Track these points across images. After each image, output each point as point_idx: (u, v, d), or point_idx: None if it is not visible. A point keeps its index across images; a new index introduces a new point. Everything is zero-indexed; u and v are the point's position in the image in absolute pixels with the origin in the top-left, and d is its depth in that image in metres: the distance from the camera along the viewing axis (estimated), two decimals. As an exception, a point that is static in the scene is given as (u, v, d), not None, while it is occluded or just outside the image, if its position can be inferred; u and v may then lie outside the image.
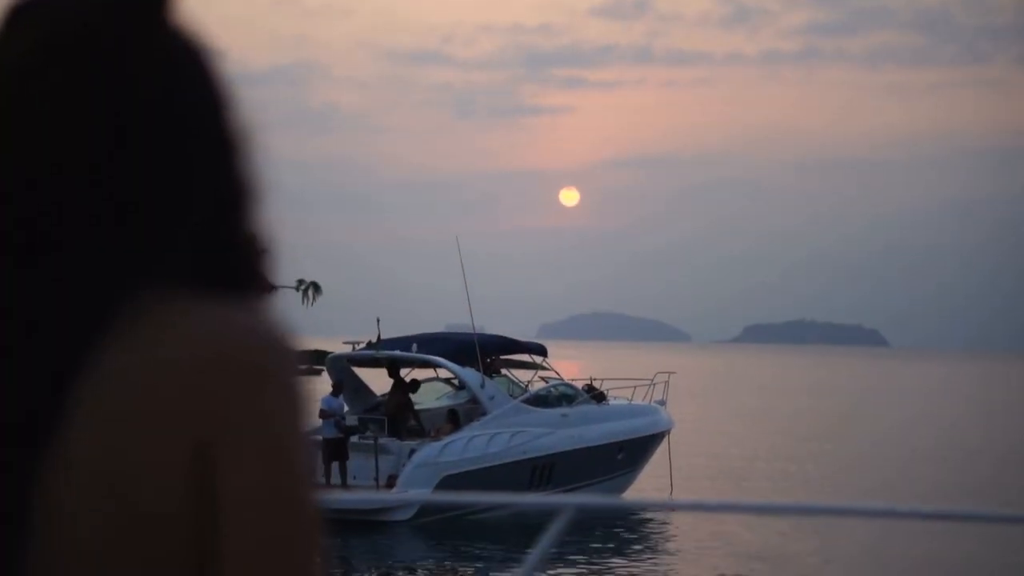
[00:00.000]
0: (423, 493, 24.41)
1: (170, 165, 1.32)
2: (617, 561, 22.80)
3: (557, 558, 20.81)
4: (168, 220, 1.31)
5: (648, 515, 26.62)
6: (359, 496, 23.85)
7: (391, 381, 28.42)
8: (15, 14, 1.34)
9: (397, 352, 27.64)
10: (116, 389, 1.27)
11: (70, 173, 1.29)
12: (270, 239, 1.38)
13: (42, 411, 1.27)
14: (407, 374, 28.78)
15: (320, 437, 25.87)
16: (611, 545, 23.93)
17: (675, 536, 25.34)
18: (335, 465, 25.85)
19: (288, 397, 1.29)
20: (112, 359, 1.27)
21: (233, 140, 1.36)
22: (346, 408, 27.22)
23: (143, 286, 1.29)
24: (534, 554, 5.42)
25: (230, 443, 1.27)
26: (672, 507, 27.41)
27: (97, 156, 1.29)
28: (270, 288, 1.37)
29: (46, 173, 1.29)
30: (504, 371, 29.52)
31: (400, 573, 21.93)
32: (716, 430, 49.20)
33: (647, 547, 24.31)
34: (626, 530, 25.30)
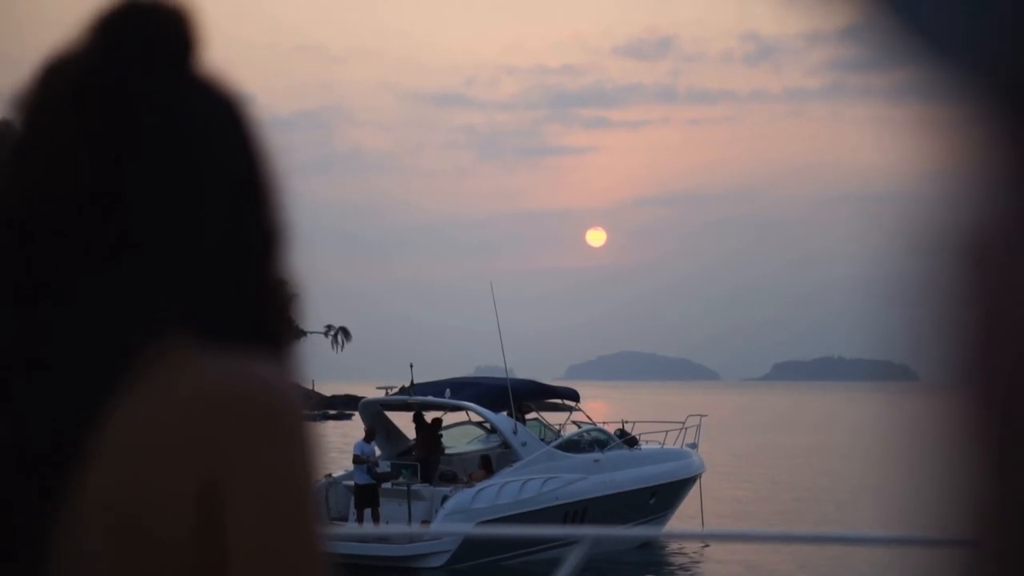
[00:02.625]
0: (449, 545, 24.33)
1: (190, 212, 1.34)
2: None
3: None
4: (189, 266, 1.33)
5: (674, 549, 26.59)
6: (379, 531, 23.83)
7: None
8: (46, 74, 1.37)
9: (430, 397, 27.64)
10: (126, 428, 1.29)
11: (87, 219, 1.31)
12: (298, 285, 1.39)
13: (58, 450, 1.29)
14: (435, 416, 28.78)
15: (353, 483, 25.91)
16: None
17: (701, 568, 25.26)
18: (367, 512, 25.85)
19: (295, 442, 1.30)
20: (124, 400, 1.30)
21: (260, 187, 1.38)
22: (378, 452, 27.21)
23: (159, 331, 1.32)
24: None
25: (235, 484, 1.28)
26: (693, 537, 27.37)
27: (115, 204, 1.32)
28: (296, 334, 1.38)
29: (65, 219, 1.31)
30: (536, 414, 29.47)
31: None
32: (748, 471, 48.97)
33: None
34: (651, 566, 25.23)
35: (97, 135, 1.32)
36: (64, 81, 1.35)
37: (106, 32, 1.35)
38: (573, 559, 5.29)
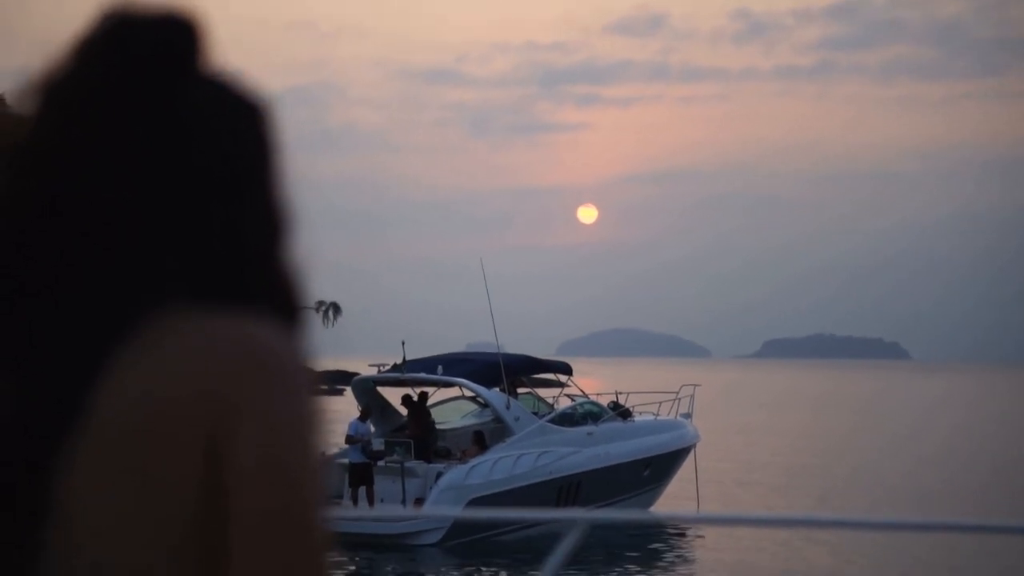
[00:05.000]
0: (443, 522, 24.32)
1: (192, 194, 1.39)
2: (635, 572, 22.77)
3: (575, 572, 20.73)
4: (193, 242, 1.38)
5: (669, 529, 26.59)
6: (374, 514, 23.84)
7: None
8: (45, 93, 1.41)
9: (422, 374, 27.60)
10: (133, 384, 1.33)
11: (91, 196, 1.37)
12: (297, 262, 1.45)
13: (61, 412, 1.33)
14: (431, 394, 28.74)
15: (347, 461, 25.92)
16: (632, 557, 23.88)
17: (697, 549, 25.28)
18: (362, 490, 25.83)
19: (299, 396, 1.35)
20: (130, 359, 1.34)
21: (264, 177, 1.43)
22: (373, 429, 27.18)
23: (163, 300, 1.36)
24: (547, 568, 5.38)
25: (240, 435, 1.32)
26: (686, 521, 27.39)
27: (118, 184, 1.37)
28: (301, 309, 1.43)
29: (69, 193, 1.37)
30: (529, 389, 29.48)
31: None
32: (741, 444, 49.08)
33: (665, 561, 24.23)
34: (646, 544, 25.23)
35: (105, 126, 1.37)
36: (72, 78, 1.39)
37: (110, 34, 1.40)
38: (567, 544, 5.27)
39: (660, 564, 24.04)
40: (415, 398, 28.15)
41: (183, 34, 1.41)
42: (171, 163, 1.38)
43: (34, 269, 1.36)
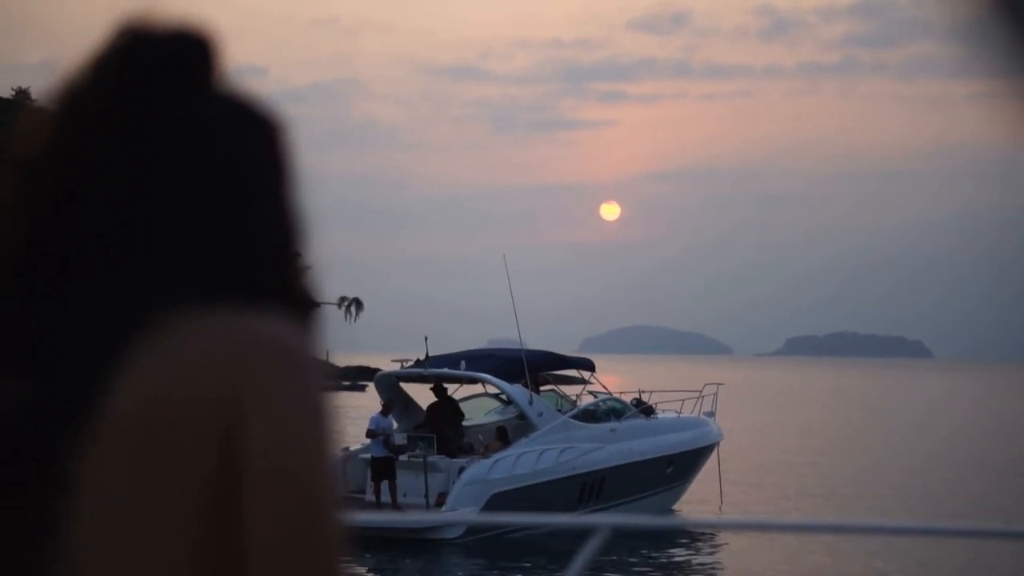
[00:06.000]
0: (467, 513, 24.29)
1: (202, 200, 1.41)
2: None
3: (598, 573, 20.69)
4: (198, 247, 1.40)
5: (692, 533, 26.41)
6: (393, 517, 23.88)
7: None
8: (63, 103, 1.44)
9: (445, 370, 27.58)
10: (145, 378, 1.34)
11: (104, 197, 1.39)
12: (312, 257, 1.46)
13: (74, 408, 1.34)
14: (454, 391, 28.71)
15: (369, 456, 25.92)
16: (654, 562, 23.82)
17: (721, 553, 25.15)
18: (384, 484, 25.84)
19: (312, 388, 1.35)
20: (142, 354, 1.35)
21: (274, 186, 1.45)
22: (395, 426, 27.18)
23: (175, 298, 1.37)
24: (570, 574, 5.36)
25: (246, 433, 1.32)
26: (710, 526, 27.20)
27: (131, 188, 1.40)
28: (313, 305, 1.44)
29: (82, 196, 1.39)
30: (552, 386, 29.44)
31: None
32: (765, 443, 48.96)
33: (688, 566, 24.13)
34: (669, 548, 25.11)
35: (120, 134, 1.41)
36: (89, 89, 1.43)
37: (125, 49, 1.43)
38: (590, 549, 5.27)
39: (683, 568, 23.93)
40: (437, 394, 28.07)
41: (196, 49, 1.45)
42: (183, 170, 1.41)
43: (47, 269, 1.38)
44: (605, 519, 6.10)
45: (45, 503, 1.33)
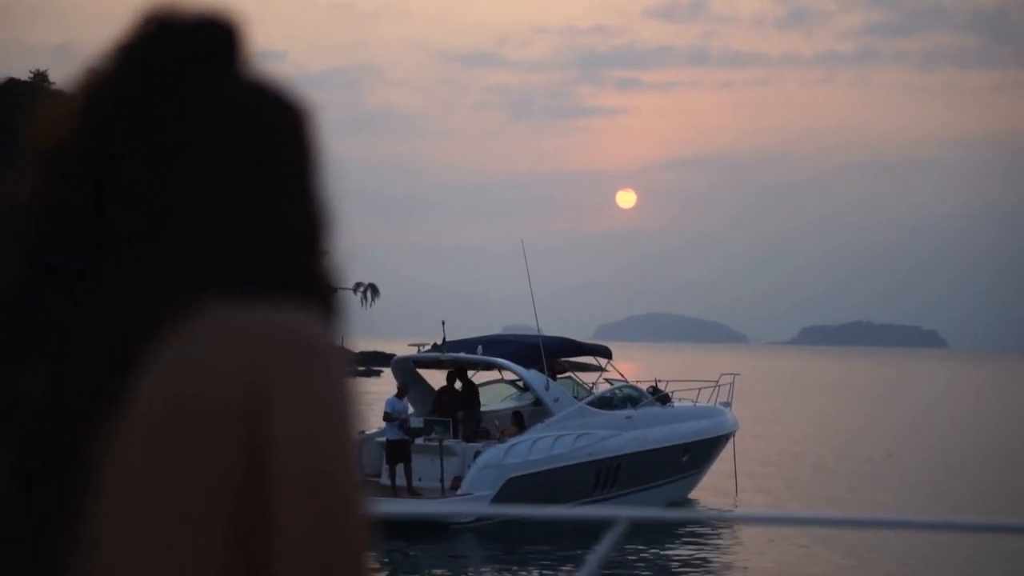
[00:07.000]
0: (480, 501, 24.30)
1: (224, 188, 1.40)
2: (676, 570, 22.65)
3: (614, 568, 20.67)
4: (220, 238, 1.39)
5: (709, 524, 26.34)
6: (406, 505, 23.93)
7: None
8: (87, 93, 1.43)
9: (462, 354, 27.58)
10: (169, 370, 1.33)
11: (127, 188, 1.38)
12: (331, 244, 1.45)
13: (98, 400, 1.33)
14: (471, 376, 28.70)
15: (384, 439, 25.95)
16: (670, 554, 23.81)
17: (737, 545, 25.11)
18: (399, 467, 25.89)
19: (334, 376, 1.35)
20: (166, 345, 1.34)
21: (300, 176, 1.44)
22: (411, 410, 27.20)
23: (197, 289, 1.36)
24: (587, 567, 5.35)
25: (270, 424, 1.31)
26: (728, 520, 27.11)
27: (157, 185, 1.39)
28: (336, 294, 1.43)
29: (105, 187, 1.39)
30: (569, 373, 29.43)
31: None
32: (780, 432, 48.90)
33: (704, 558, 24.10)
34: (685, 539, 25.07)
35: (143, 125, 1.40)
36: (113, 79, 1.42)
37: (149, 37, 1.42)
38: (607, 542, 5.24)
39: (700, 561, 23.88)
40: (458, 379, 28.07)
41: (220, 37, 1.43)
42: (208, 160, 1.39)
43: (71, 260, 1.37)
44: (623, 512, 6.08)
45: (67, 498, 1.32)
